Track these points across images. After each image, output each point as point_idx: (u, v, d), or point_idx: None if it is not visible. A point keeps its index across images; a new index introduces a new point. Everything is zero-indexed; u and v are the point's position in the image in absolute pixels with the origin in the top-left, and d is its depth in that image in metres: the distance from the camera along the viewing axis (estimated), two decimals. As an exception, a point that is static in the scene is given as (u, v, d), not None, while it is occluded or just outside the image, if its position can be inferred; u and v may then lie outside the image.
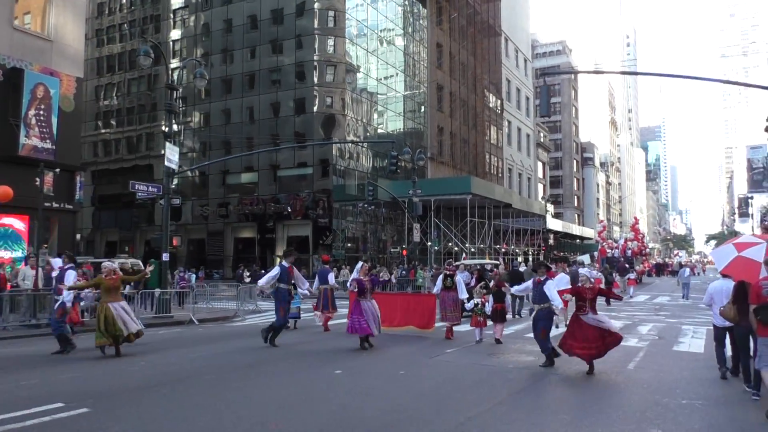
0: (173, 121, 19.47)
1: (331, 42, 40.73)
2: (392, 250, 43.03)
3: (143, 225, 46.56)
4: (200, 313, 19.56)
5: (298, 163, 40.53)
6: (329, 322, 14.17)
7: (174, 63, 47.03)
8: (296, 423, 5.84)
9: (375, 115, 44.29)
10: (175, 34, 48.75)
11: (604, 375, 8.73)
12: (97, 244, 47.57)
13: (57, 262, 16.17)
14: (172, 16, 49.04)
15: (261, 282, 11.87)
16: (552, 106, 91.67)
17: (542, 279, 9.47)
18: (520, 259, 56.14)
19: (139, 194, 20.29)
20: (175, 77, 46.79)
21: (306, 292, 12.58)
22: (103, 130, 51.47)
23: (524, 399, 7.11)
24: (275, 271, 11.61)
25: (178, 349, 11.27)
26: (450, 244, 44.03)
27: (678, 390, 7.75)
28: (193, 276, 30.77)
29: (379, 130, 44.76)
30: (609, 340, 8.80)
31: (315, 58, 40.35)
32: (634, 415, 6.45)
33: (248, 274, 29.68)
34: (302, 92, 40.69)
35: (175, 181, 45.89)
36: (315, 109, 39.96)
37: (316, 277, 14.70)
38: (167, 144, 18.65)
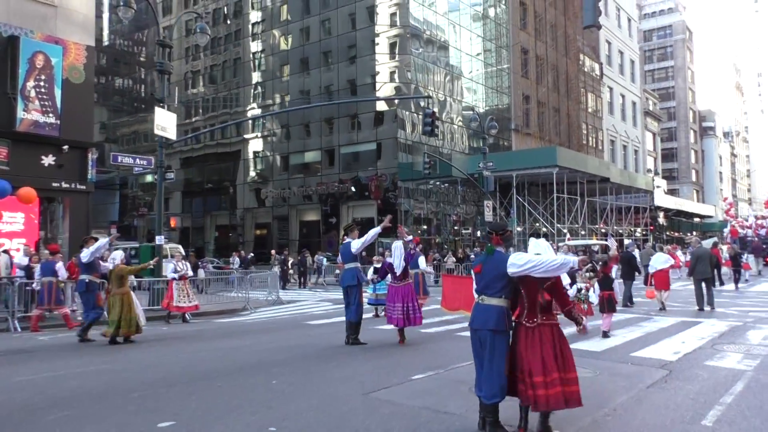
0: (166, 82, 16.73)
1: (403, 12, 37.05)
2: (463, 231, 38.91)
3: (213, 210, 45.54)
4: (208, 305, 16.92)
5: (367, 141, 37.28)
6: (423, 308, 12.48)
7: (254, 46, 45.57)
8: None
9: (453, 85, 40.19)
10: (255, 16, 46.88)
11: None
12: (170, 232, 47.06)
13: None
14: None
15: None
16: (664, 70, 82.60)
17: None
18: (627, 241, 49.88)
19: (136, 169, 17.93)
20: (253, 54, 45.86)
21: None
22: (194, 118, 50.09)
23: None
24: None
25: (70, 358, 8.32)
26: (537, 224, 39.24)
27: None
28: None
29: (460, 102, 40.61)
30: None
31: (383, 28, 37.10)
32: None
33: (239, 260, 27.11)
34: (373, 67, 37.43)
35: (259, 166, 45.21)
36: (395, 81, 36.74)
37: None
38: (157, 109, 15.99)
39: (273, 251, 29.53)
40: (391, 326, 9.96)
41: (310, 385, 6.59)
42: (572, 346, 9.03)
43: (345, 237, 10.17)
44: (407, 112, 36.53)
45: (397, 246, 9.82)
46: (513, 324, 4.88)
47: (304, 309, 16.73)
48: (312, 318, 14.05)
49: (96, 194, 47.18)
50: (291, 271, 26.31)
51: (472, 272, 5.12)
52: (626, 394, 6.19)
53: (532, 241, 5.05)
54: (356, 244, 9.60)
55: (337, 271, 28.44)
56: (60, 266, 12.51)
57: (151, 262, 12.15)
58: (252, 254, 30.55)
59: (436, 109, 36.43)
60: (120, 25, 53.47)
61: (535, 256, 4.69)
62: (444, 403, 5.77)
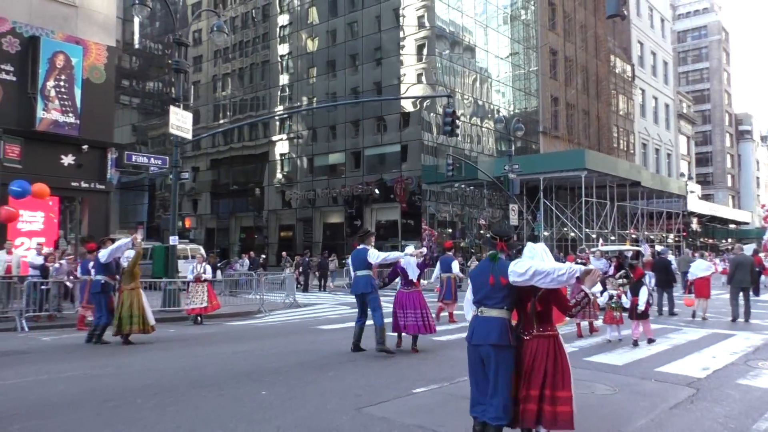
0: (182, 81, 16.53)
1: (430, 14, 36.57)
2: (487, 235, 38.16)
3: (239, 211, 45.58)
4: (223, 307, 16.58)
5: (392, 143, 36.89)
6: (454, 312, 13.26)
7: (281, 49, 45.43)
8: None
9: (480, 88, 39.61)
10: (282, 19, 46.80)
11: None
12: (196, 232, 47.26)
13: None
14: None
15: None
16: (698, 72, 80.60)
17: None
18: (659, 247, 48.25)
19: (152, 168, 17.77)
20: (280, 57, 45.81)
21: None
22: (221, 120, 50.10)
23: None
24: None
25: (63, 361, 8.05)
26: (565, 229, 38.31)
27: None
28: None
29: (488, 104, 39.97)
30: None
31: (410, 30, 36.71)
32: None
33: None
34: (399, 69, 37.04)
35: (285, 168, 45.13)
36: (422, 83, 36.23)
37: (438, 265, 13.62)
38: (172, 108, 15.78)
39: (284, 253, 29.24)
40: (395, 333, 9.49)
41: (300, 397, 6.16)
42: (592, 358, 8.50)
43: (359, 243, 9.67)
44: (432, 114, 36.03)
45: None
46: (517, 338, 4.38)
47: (320, 312, 16.37)
48: (325, 322, 13.67)
49: (126, 195, 47.46)
50: (298, 273, 25.64)
51: (469, 281, 4.63)
52: (646, 416, 5.61)
53: (529, 245, 4.54)
54: (374, 255, 9.12)
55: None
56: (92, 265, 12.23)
57: (139, 238, 11.28)
58: (263, 256, 30.31)
59: (461, 111, 36.08)
60: (151, 28, 53.95)
61: (538, 263, 4.18)
62: (442, 422, 5.28)
